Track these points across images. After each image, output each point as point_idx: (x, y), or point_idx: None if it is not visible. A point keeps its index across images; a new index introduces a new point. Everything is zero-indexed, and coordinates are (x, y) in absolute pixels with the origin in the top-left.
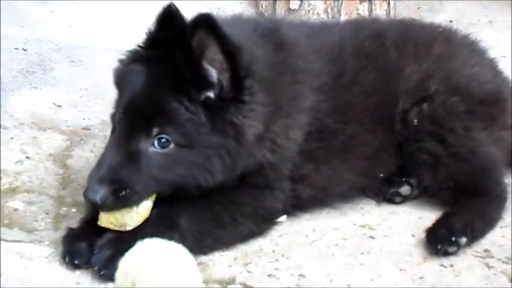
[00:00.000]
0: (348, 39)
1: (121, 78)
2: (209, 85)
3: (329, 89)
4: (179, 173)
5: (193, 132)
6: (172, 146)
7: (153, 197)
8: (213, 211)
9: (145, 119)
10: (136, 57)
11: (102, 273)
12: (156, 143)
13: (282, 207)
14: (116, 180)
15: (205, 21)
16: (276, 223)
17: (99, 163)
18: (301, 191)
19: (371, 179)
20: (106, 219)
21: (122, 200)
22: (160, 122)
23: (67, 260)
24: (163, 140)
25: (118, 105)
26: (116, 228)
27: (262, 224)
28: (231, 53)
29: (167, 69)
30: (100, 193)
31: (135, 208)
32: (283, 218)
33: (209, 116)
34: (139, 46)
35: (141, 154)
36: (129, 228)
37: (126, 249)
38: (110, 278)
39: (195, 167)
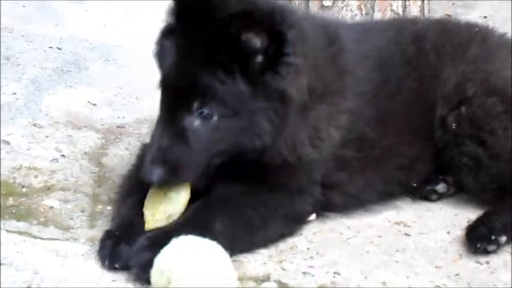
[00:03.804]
0: (392, 44)
1: (157, 54)
2: (248, 54)
3: (371, 97)
4: (228, 142)
5: (234, 103)
6: (215, 117)
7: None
8: (244, 215)
9: (183, 95)
10: (167, 32)
11: (141, 275)
12: (199, 116)
13: (312, 209)
14: (169, 160)
15: None
16: (306, 222)
17: (151, 144)
18: (333, 198)
19: (404, 187)
20: (152, 221)
21: (177, 176)
22: (198, 97)
23: (107, 263)
24: (205, 113)
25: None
26: (164, 222)
27: (292, 225)
28: (269, 13)
29: (199, 42)
30: (156, 173)
31: (174, 195)
32: (312, 217)
33: (249, 83)
34: (169, 20)
35: (187, 130)
36: (176, 217)
37: None
38: (148, 280)
39: (243, 134)
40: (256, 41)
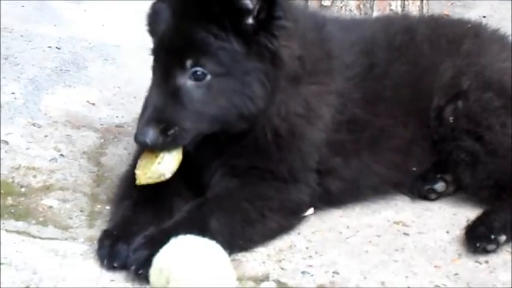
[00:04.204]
0: (379, 33)
1: (150, 19)
2: (240, 12)
3: (360, 80)
4: (221, 104)
5: (228, 61)
6: (209, 77)
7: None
8: (240, 210)
9: (176, 53)
10: None
11: (139, 272)
12: (192, 75)
13: (309, 200)
14: (162, 120)
15: None
16: (305, 217)
17: (144, 106)
18: (330, 184)
19: (404, 172)
20: (143, 176)
21: (171, 138)
22: (192, 54)
23: (105, 262)
24: (198, 73)
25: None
26: (156, 180)
27: (290, 217)
28: None
29: (192, 2)
30: (149, 134)
31: (166, 155)
32: (310, 211)
33: (242, 43)
34: None
35: (180, 90)
36: (168, 176)
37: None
38: (147, 278)
39: (236, 95)
40: (249, 2)
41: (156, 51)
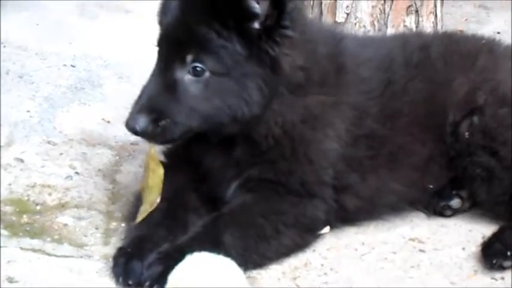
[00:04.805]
0: (396, 50)
1: (160, 12)
2: (246, 14)
3: (378, 95)
4: (216, 103)
5: (228, 60)
6: (207, 74)
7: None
8: (255, 225)
9: (178, 46)
10: None
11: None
12: (191, 70)
13: (325, 218)
14: (155, 109)
15: None
16: (320, 235)
17: (140, 94)
18: (346, 202)
19: (421, 190)
20: (142, 211)
21: (160, 129)
22: (194, 49)
23: (121, 280)
24: (198, 68)
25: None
26: (149, 211)
27: (305, 234)
28: None
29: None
30: (140, 121)
31: (150, 184)
32: (326, 229)
33: (245, 45)
34: None
35: (177, 83)
36: (155, 205)
37: (176, 265)
38: None
39: (232, 97)
40: (258, 6)
41: (160, 43)
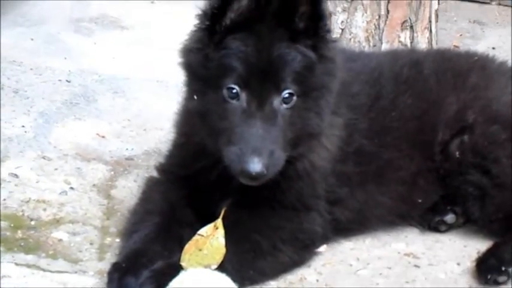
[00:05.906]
0: (385, 65)
1: (226, 56)
2: (317, 29)
3: (366, 111)
4: (298, 127)
5: (307, 77)
6: (295, 98)
7: (222, 231)
8: (251, 240)
9: (272, 77)
10: (233, 28)
11: None
12: (284, 99)
13: (322, 232)
14: (264, 148)
15: None
16: (316, 252)
17: (241, 135)
18: (339, 214)
19: (409, 204)
20: (189, 261)
21: (273, 165)
22: (286, 75)
23: None
24: (287, 95)
25: (232, 77)
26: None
27: (302, 251)
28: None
29: (273, 26)
30: (259, 164)
31: (215, 245)
32: (322, 248)
33: (317, 57)
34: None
35: (277, 114)
36: (213, 267)
37: (170, 282)
38: None
39: (310, 115)
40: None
41: (246, 78)
